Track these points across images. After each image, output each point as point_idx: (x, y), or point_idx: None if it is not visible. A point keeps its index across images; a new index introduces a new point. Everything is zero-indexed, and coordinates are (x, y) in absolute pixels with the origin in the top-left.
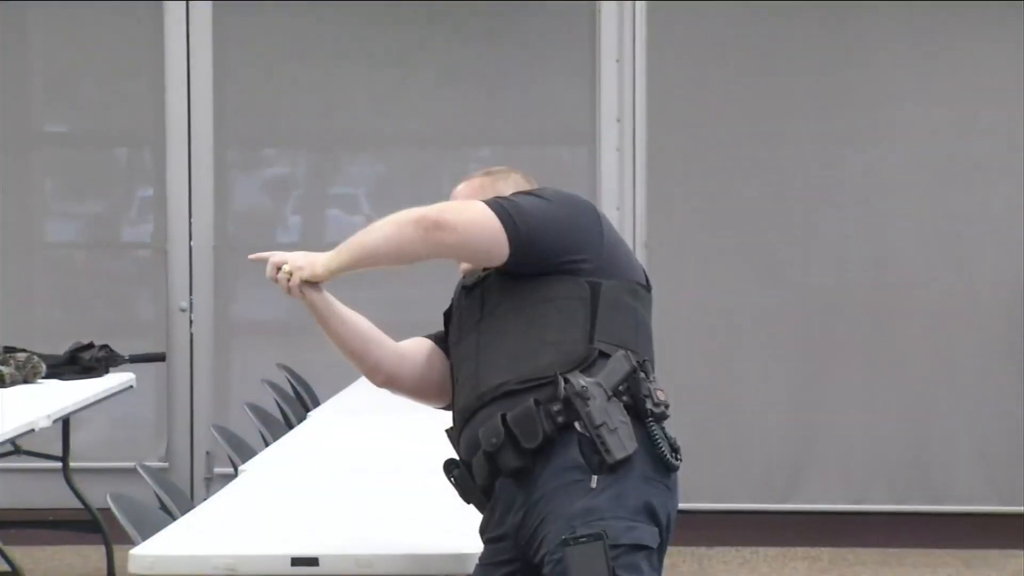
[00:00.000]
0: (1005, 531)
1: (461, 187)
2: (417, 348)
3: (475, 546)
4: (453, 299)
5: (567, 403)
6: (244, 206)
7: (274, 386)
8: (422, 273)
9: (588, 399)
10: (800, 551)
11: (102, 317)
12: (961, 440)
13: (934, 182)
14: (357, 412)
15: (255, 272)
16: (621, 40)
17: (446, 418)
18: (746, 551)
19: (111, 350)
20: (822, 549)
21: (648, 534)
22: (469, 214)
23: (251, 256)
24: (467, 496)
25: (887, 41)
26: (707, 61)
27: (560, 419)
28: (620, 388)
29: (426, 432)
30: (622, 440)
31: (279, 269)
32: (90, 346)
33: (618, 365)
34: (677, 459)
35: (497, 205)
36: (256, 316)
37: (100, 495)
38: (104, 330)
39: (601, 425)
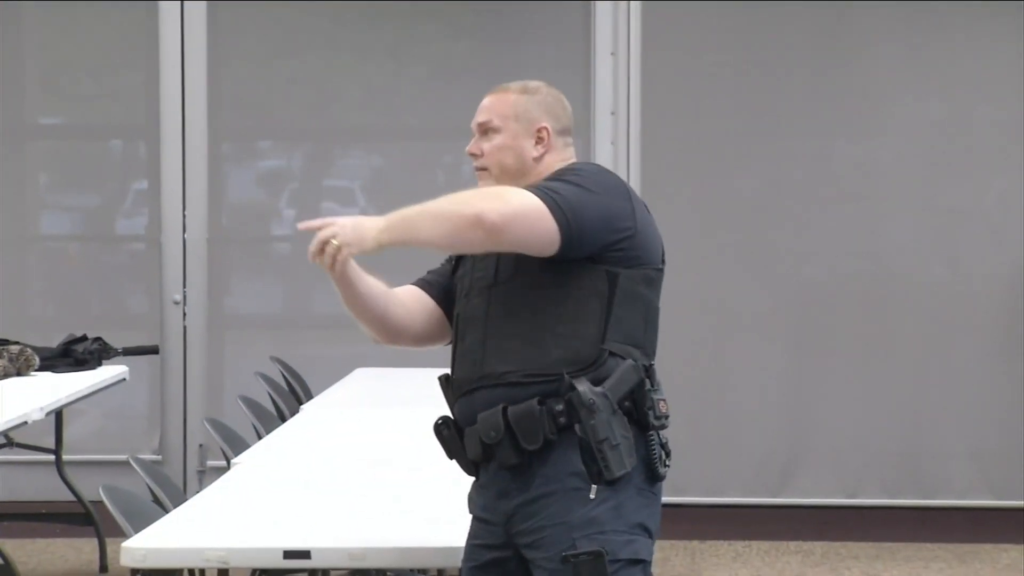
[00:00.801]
0: (997, 525)
1: (493, 100)
2: (417, 301)
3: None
4: None
5: (570, 405)
6: (238, 199)
7: (267, 379)
8: (411, 268)
9: (594, 412)
10: (793, 545)
11: (96, 310)
12: (954, 434)
13: (928, 176)
14: (350, 405)
15: (249, 265)
16: (616, 34)
17: (437, 411)
18: (739, 545)
19: (104, 343)
20: (815, 543)
21: (645, 548)
22: (529, 214)
23: (301, 225)
24: (452, 456)
25: (881, 35)
26: (702, 55)
27: (562, 420)
28: (625, 400)
29: (418, 425)
30: (622, 457)
31: (324, 244)
32: (83, 339)
33: (626, 376)
34: (666, 465)
35: (554, 203)
36: (249, 309)
37: (93, 488)
38: (97, 323)
39: (604, 440)
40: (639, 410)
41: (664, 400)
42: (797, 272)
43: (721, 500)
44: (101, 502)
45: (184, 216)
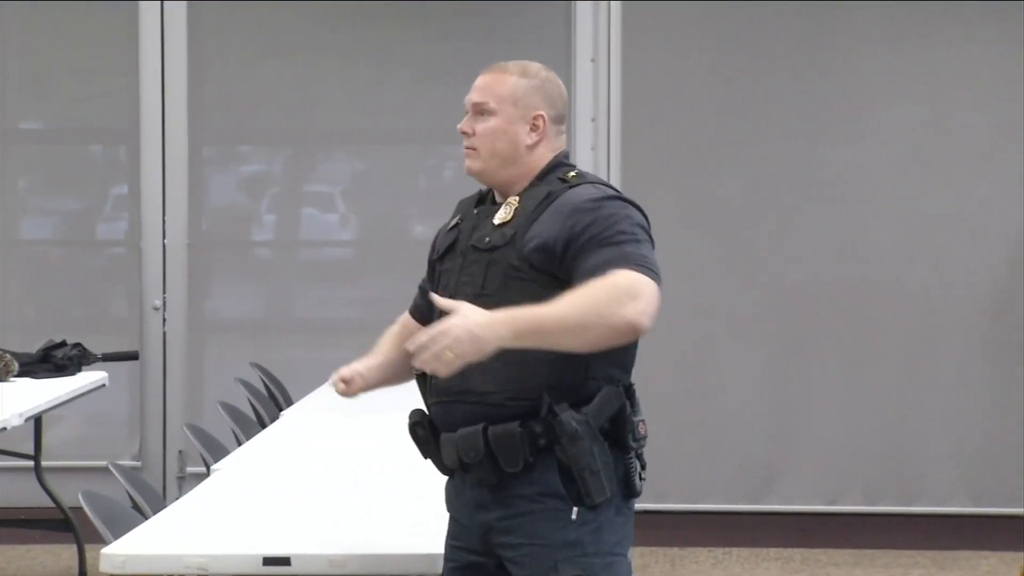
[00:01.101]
0: (977, 532)
1: (491, 80)
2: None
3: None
4: (458, 221)
5: (550, 428)
6: (219, 204)
7: (247, 385)
8: (393, 273)
9: (576, 440)
10: (773, 551)
11: (75, 315)
12: (935, 441)
13: (911, 180)
14: (330, 411)
15: (229, 270)
16: (596, 39)
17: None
18: (719, 551)
19: (84, 348)
20: (794, 550)
21: (624, 568)
22: (656, 302)
23: (411, 347)
24: (426, 455)
25: (864, 40)
26: (682, 60)
27: (541, 442)
28: (605, 423)
29: (398, 431)
30: (603, 484)
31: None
32: (63, 344)
33: (609, 401)
34: (642, 479)
35: (657, 278)
36: (230, 314)
37: (72, 494)
38: (77, 328)
39: (585, 468)
40: (619, 433)
41: (643, 421)
42: (779, 277)
43: (701, 507)
44: (80, 508)
45: (164, 221)
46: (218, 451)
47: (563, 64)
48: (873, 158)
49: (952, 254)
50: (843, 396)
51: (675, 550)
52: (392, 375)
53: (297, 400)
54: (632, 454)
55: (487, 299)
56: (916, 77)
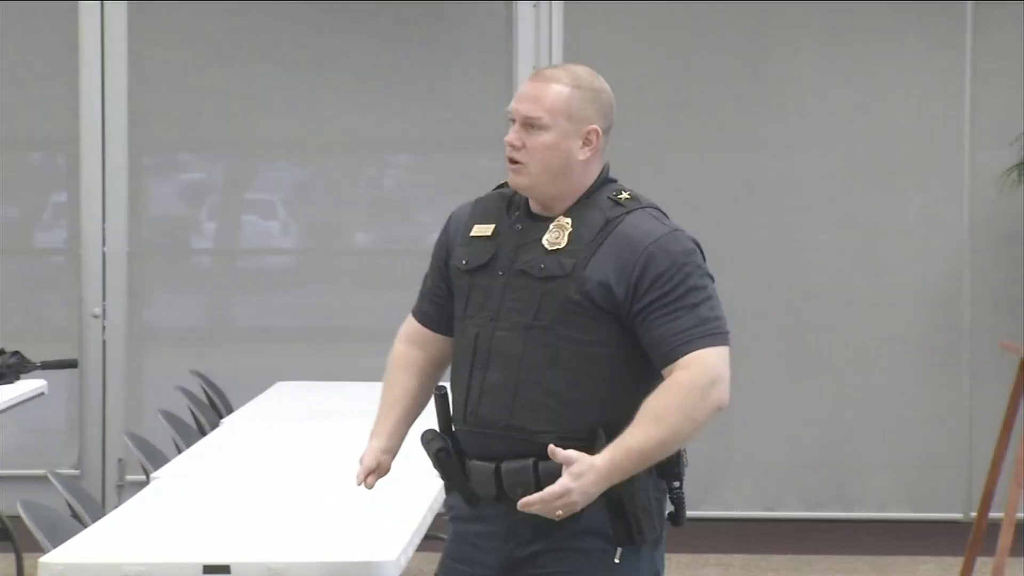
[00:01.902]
0: (915, 537)
1: (541, 90)
2: (432, 343)
3: (390, 554)
4: (493, 233)
5: None
6: (159, 211)
7: (187, 393)
8: (334, 281)
9: (633, 477)
10: (712, 557)
11: (13, 323)
12: (873, 447)
13: (849, 188)
14: (270, 419)
15: (169, 278)
16: (537, 47)
17: (358, 424)
18: None
19: (22, 356)
20: (734, 555)
21: None
22: (728, 370)
23: (520, 507)
24: (450, 480)
25: (802, 49)
26: (622, 68)
27: None
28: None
29: (339, 440)
30: (655, 520)
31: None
32: (1, 352)
33: None
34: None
35: (726, 337)
36: (170, 322)
37: (11, 503)
38: (15, 336)
39: (639, 506)
40: (668, 466)
41: (684, 449)
42: (718, 284)
43: None
44: (19, 517)
45: (104, 228)
46: (158, 459)
47: (504, 71)
48: (812, 167)
49: (891, 262)
50: (782, 403)
51: None
52: (412, 421)
53: (237, 408)
54: (678, 481)
55: (540, 330)
56: (855, 86)
